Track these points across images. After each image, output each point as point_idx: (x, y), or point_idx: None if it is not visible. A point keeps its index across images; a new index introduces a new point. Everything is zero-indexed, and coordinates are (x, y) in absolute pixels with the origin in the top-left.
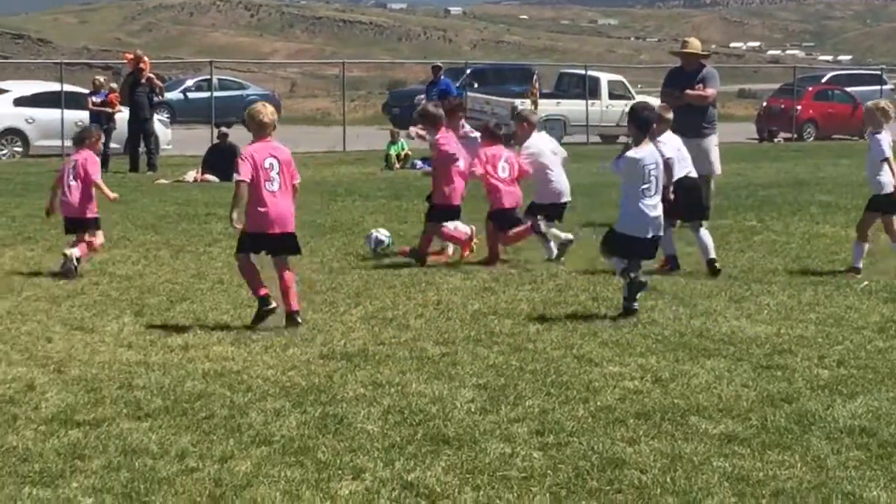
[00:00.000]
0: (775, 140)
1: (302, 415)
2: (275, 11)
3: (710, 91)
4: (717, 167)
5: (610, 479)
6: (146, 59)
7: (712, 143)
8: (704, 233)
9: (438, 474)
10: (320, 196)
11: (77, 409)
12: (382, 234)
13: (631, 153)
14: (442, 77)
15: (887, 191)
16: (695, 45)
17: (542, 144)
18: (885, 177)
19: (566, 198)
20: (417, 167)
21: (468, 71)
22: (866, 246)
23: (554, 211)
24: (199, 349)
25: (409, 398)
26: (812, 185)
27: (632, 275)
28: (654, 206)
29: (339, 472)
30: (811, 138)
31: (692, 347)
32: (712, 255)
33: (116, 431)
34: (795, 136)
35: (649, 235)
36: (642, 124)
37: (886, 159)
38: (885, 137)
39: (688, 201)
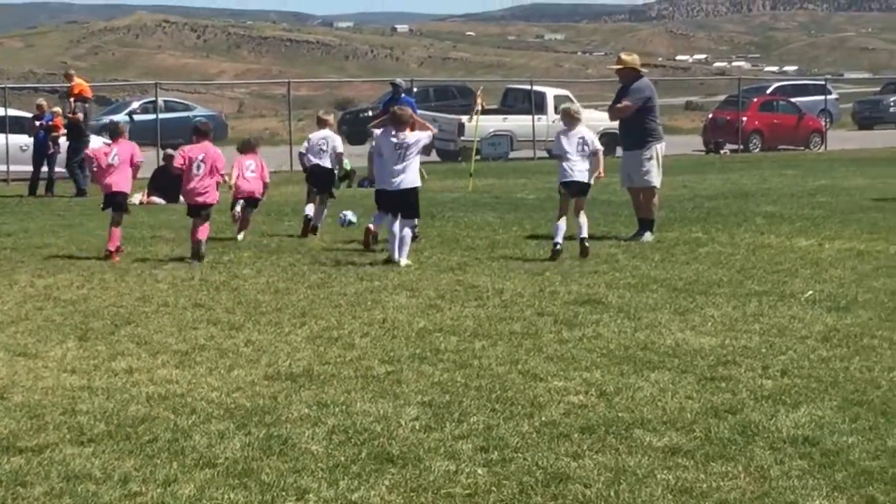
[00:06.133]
0: (721, 152)
1: (246, 436)
2: (221, 32)
3: (624, 104)
4: (654, 179)
5: (554, 494)
6: (76, 76)
7: (645, 156)
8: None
9: (382, 493)
10: (266, 216)
11: (19, 435)
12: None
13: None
14: (403, 95)
15: None
16: (624, 59)
17: None
18: None
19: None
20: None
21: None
22: None
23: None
24: (143, 373)
25: (353, 417)
26: (757, 196)
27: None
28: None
29: (283, 493)
30: (757, 149)
31: (637, 360)
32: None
33: (59, 457)
34: (741, 147)
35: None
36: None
37: None
38: None
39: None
